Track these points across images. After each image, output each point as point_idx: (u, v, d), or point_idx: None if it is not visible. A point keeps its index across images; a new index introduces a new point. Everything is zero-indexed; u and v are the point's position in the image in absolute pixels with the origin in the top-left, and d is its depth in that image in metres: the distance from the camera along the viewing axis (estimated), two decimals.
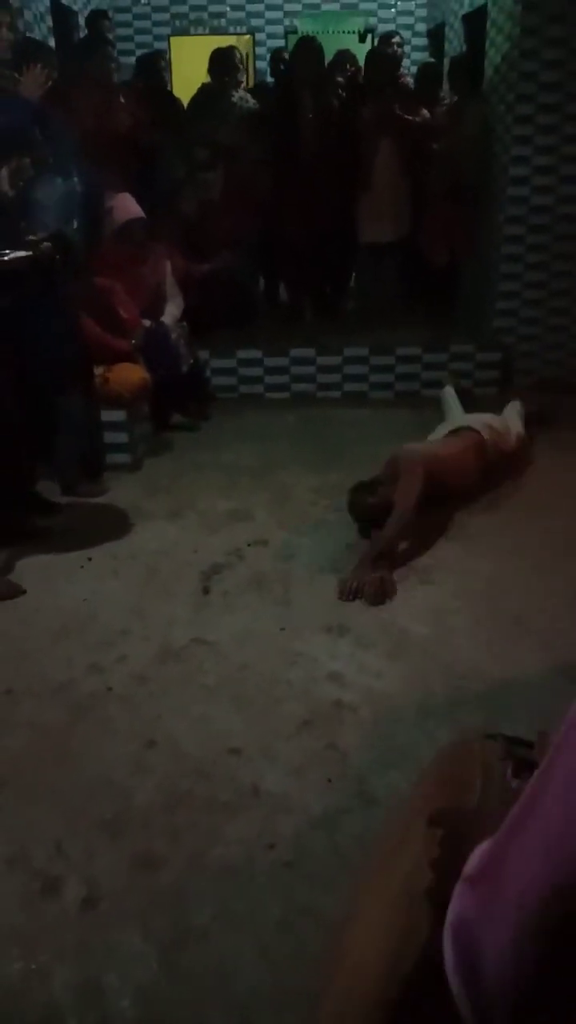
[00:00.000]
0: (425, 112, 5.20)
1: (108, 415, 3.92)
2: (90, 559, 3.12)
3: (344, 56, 5.59)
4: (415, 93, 5.48)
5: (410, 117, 5.10)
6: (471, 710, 2.25)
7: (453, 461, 3.38)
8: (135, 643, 2.58)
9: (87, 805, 1.95)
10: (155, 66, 5.19)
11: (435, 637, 2.59)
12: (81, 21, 6.04)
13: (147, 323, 4.32)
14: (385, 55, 5.57)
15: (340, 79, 5.31)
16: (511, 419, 3.93)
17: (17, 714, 2.28)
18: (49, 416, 3.32)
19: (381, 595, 2.79)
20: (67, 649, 2.56)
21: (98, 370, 3.84)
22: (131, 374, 4.00)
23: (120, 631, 2.65)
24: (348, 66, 5.52)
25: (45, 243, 2.89)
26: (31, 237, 2.89)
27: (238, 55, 5.37)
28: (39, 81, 3.17)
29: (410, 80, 5.84)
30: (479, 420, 3.71)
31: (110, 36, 5.01)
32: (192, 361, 4.52)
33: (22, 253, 2.70)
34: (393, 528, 3.02)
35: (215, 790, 1.99)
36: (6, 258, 2.62)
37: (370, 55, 5.54)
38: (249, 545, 3.22)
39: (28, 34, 4.52)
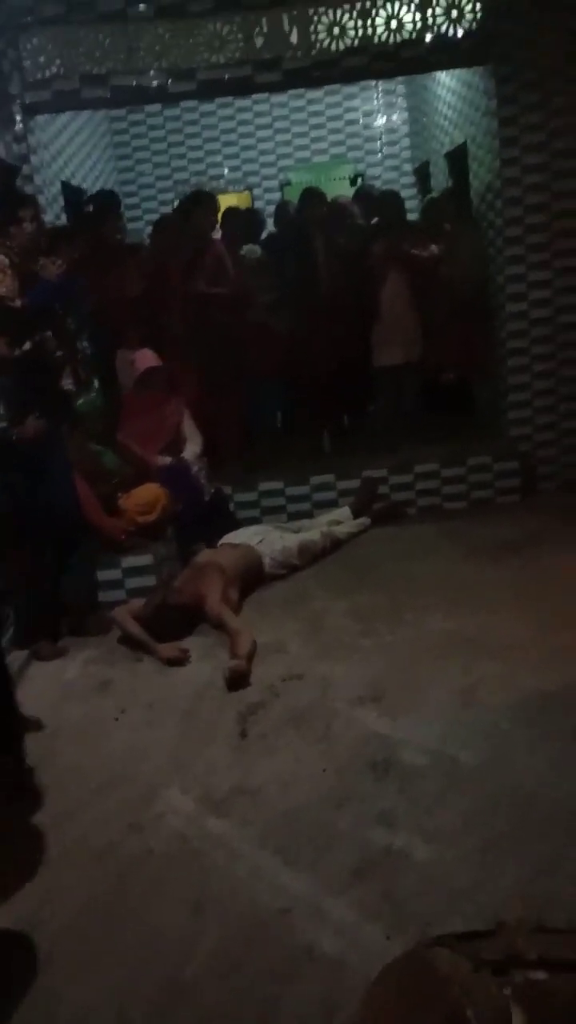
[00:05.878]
0: (434, 247, 5.37)
1: (135, 560, 3.97)
2: (124, 711, 3.07)
3: (345, 204, 5.91)
4: (421, 228, 5.73)
5: (417, 252, 5.32)
6: (538, 840, 2.11)
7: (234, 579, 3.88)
8: (175, 797, 2.49)
9: (135, 982, 1.84)
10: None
11: (490, 762, 2.47)
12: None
13: (167, 459, 4.47)
14: (389, 196, 5.89)
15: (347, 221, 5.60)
16: (305, 538, 4.42)
17: (60, 883, 2.20)
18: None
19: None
20: (106, 809, 2.48)
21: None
22: (144, 493, 4.15)
23: (159, 785, 2.56)
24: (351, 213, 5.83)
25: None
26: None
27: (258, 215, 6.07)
28: (56, 268, 3.67)
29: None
30: (276, 551, 4.20)
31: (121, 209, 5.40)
32: (214, 491, 4.67)
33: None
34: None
35: (268, 955, 1.86)
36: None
37: (379, 198, 5.89)
38: (284, 680, 3.15)
39: (42, 214, 4.89)
